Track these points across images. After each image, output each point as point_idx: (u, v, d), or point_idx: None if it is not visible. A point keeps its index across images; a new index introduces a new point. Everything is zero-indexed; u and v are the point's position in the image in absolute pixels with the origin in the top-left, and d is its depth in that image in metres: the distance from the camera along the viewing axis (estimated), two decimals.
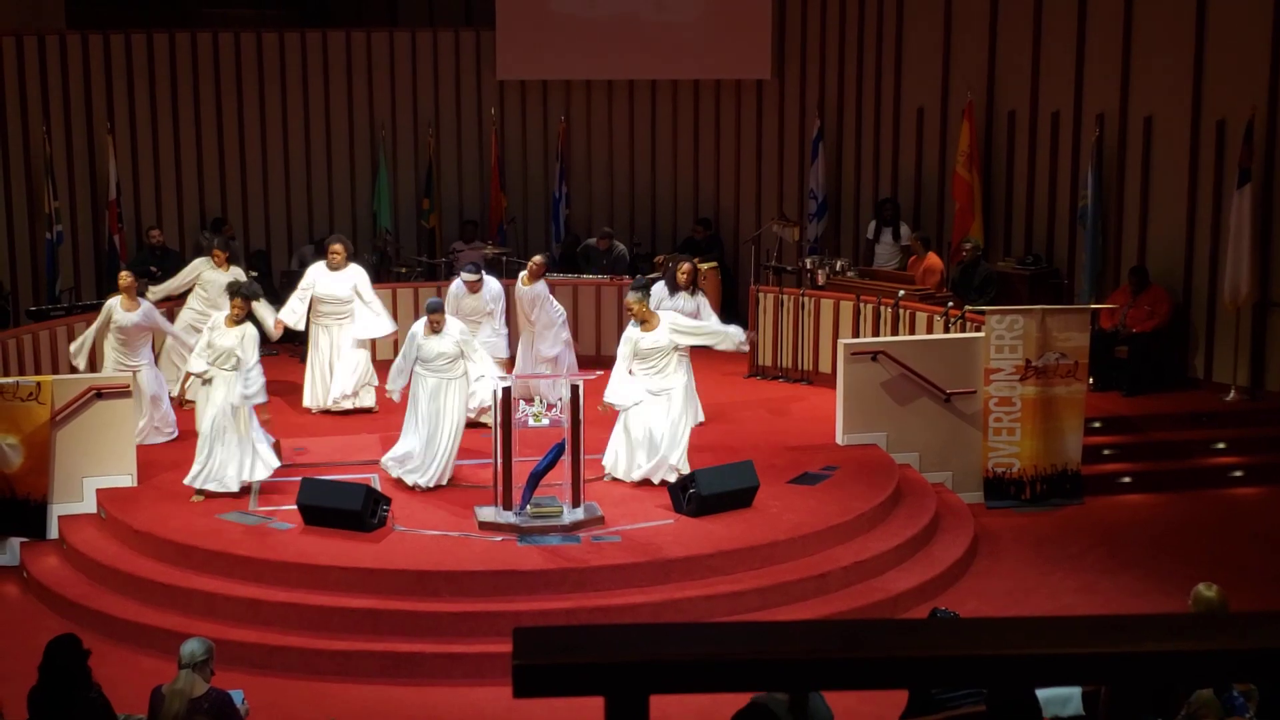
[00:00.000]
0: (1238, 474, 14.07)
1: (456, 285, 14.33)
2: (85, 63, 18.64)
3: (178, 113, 19.09)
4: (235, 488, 11.97)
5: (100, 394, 12.27)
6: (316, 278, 14.68)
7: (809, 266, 16.67)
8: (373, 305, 14.75)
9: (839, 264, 16.73)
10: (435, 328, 12.37)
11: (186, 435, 13.26)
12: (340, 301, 14.66)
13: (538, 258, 14.69)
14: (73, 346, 13.84)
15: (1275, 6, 14.65)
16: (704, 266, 17.85)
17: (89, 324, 15.02)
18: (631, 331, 12.43)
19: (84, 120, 18.67)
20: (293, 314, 14.59)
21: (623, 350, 12.49)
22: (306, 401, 14.77)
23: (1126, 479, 13.89)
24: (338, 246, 14.76)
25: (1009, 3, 16.95)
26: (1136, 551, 12.40)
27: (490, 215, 19.63)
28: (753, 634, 2.49)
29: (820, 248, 18.09)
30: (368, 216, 19.71)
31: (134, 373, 13.22)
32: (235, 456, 11.98)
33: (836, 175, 18.78)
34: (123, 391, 12.38)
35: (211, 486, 11.99)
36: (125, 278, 13.76)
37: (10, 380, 12.32)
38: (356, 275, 14.75)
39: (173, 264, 17.29)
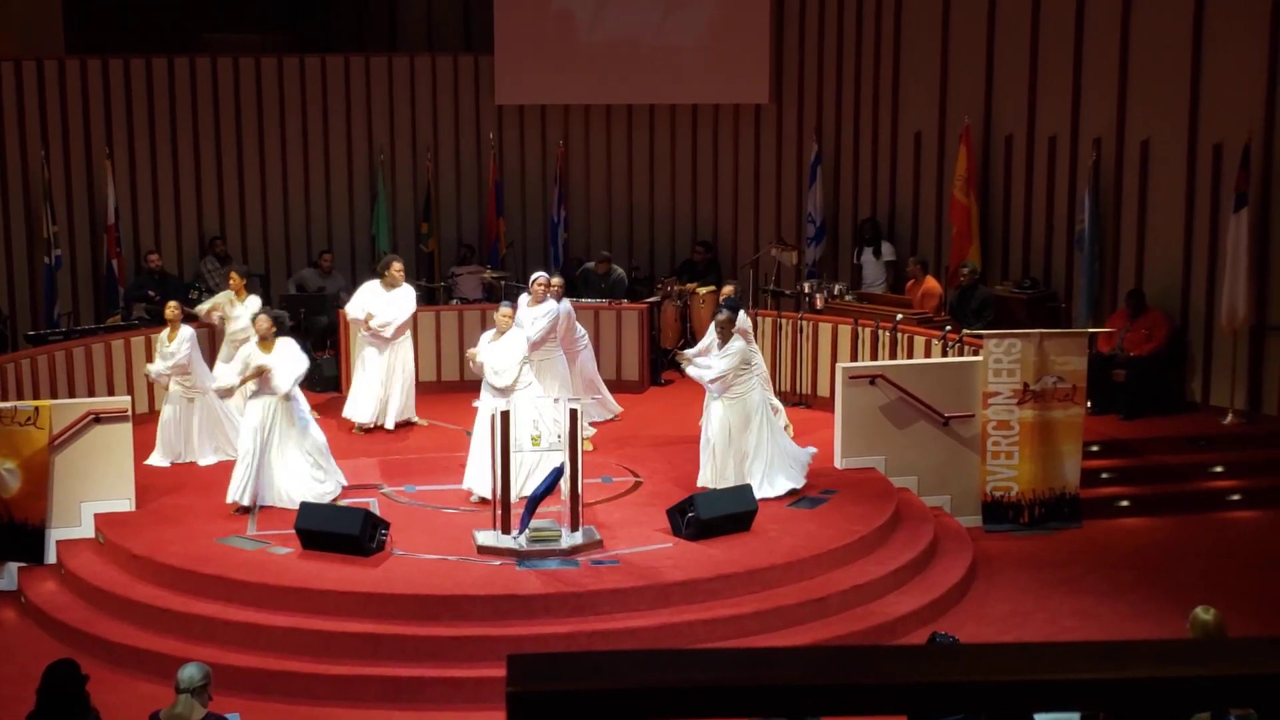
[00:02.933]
0: (1235, 497, 14.07)
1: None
2: (84, 88, 18.69)
3: (176, 138, 19.13)
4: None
5: (98, 418, 12.26)
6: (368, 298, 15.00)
7: (807, 290, 16.70)
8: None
9: (837, 288, 16.75)
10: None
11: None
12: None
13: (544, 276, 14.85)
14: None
15: (1271, 31, 14.70)
16: (702, 291, 17.88)
17: (87, 350, 15.05)
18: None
19: (83, 145, 18.71)
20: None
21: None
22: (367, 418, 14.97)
23: (1124, 502, 13.88)
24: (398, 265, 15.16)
25: (1006, 28, 17.00)
26: (1134, 575, 12.38)
27: (487, 239, 19.65)
28: (749, 660, 2.49)
29: (818, 272, 18.12)
30: (366, 240, 19.72)
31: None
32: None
33: (834, 199, 18.81)
34: (120, 416, 12.38)
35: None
36: (171, 309, 13.94)
37: (8, 404, 12.31)
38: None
39: (171, 289, 17.31)
